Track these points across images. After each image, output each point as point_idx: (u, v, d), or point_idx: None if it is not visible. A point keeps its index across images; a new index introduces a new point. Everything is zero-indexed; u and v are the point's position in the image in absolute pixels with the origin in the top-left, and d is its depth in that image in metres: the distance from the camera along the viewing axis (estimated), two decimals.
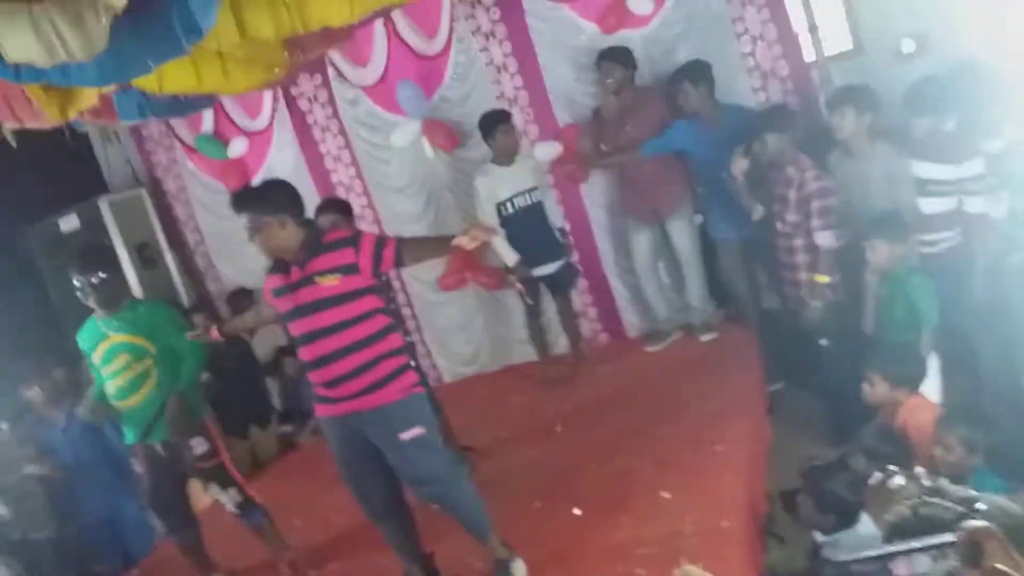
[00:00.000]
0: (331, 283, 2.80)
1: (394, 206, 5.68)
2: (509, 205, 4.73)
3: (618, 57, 4.58)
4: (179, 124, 6.01)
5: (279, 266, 2.93)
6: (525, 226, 4.72)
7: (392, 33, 5.29)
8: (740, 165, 4.05)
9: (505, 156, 4.72)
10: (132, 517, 4.71)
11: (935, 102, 3.71)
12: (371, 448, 2.91)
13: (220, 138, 5.95)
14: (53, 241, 6.03)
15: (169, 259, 6.17)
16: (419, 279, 5.72)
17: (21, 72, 3.07)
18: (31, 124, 4.06)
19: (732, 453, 3.37)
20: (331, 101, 5.65)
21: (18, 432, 4.69)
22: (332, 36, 3.89)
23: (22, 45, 2.87)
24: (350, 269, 2.80)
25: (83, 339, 3.70)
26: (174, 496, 3.75)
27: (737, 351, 4.50)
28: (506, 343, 5.66)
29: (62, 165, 6.39)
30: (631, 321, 5.34)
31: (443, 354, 5.91)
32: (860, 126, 3.79)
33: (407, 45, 5.31)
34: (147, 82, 3.43)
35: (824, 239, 3.82)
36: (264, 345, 5.96)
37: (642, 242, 4.85)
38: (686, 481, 3.26)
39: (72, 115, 4.00)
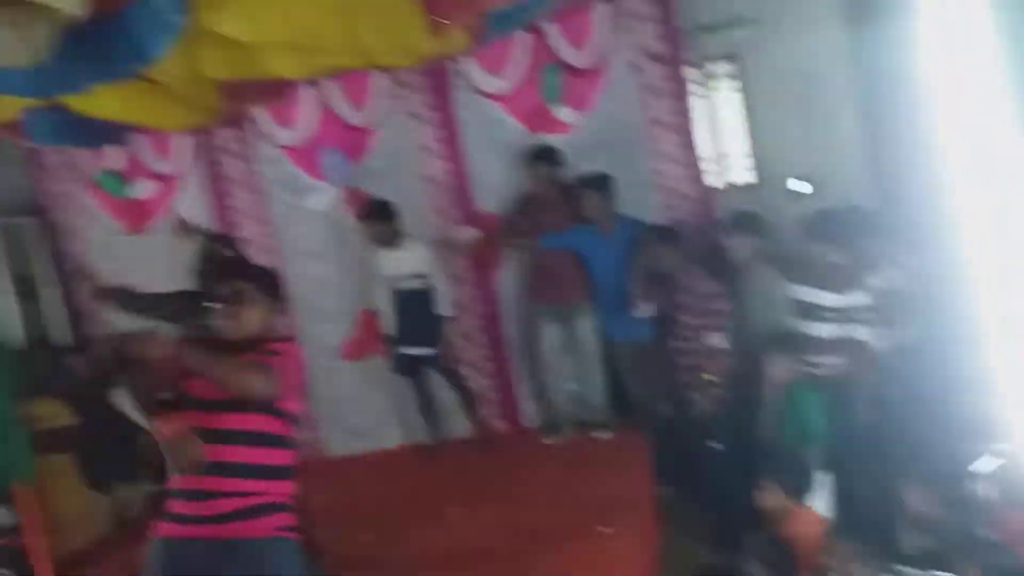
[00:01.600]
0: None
1: (308, 268, 5.58)
2: (396, 283, 4.97)
3: (547, 156, 4.84)
4: (83, 156, 5.75)
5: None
6: (407, 307, 4.95)
7: (322, 99, 5.34)
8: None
9: (385, 241, 4.91)
10: None
11: (826, 233, 4.07)
12: None
13: (125, 176, 5.72)
14: None
15: (57, 293, 5.77)
16: (322, 343, 5.56)
17: None
18: None
19: (623, 545, 3.39)
20: (248, 156, 5.59)
21: None
22: (271, 90, 3.90)
23: None
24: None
25: None
26: None
27: (630, 452, 4.60)
28: (404, 420, 5.55)
29: None
30: (529, 411, 5.37)
31: (333, 425, 5.72)
32: (750, 249, 4.21)
33: (336, 114, 5.36)
34: (75, 101, 3.31)
35: (714, 340, 4.07)
36: None
37: (550, 333, 4.98)
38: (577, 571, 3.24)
39: None
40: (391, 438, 5.63)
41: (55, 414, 4.81)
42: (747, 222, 4.33)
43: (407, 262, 4.92)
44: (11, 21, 2.82)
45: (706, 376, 4.06)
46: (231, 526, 2.33)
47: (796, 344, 3.81)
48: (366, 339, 5.39)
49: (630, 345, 4.77)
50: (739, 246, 4.27)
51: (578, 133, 4.98)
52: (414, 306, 4.95)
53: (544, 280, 4.93)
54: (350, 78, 5.08)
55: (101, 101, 3.37)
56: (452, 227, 5.26)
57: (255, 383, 2.29)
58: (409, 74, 5.15)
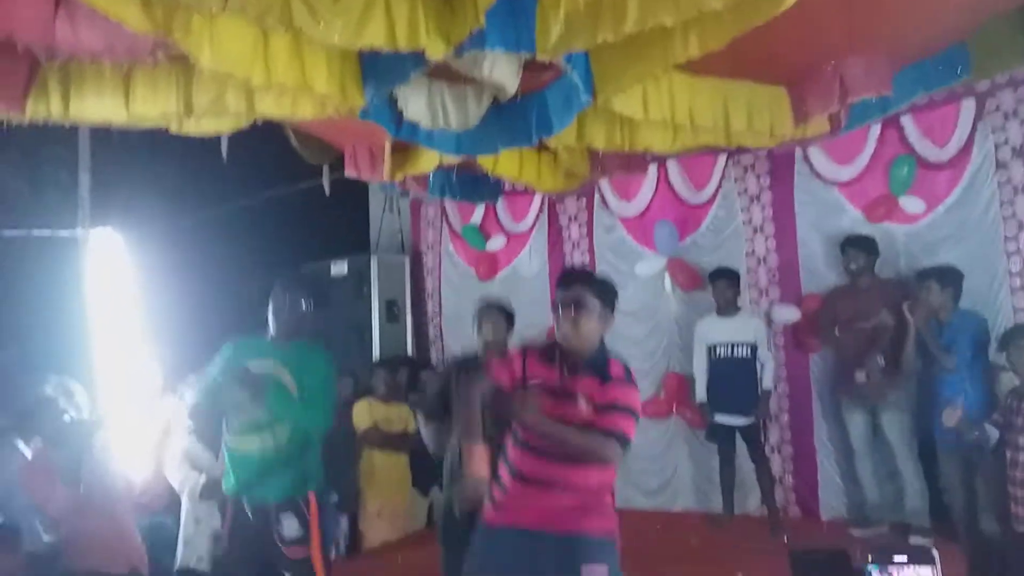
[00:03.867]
0: (584, 410, 2.58)
1: (621, 327, 6.02)
2: (720, 350, 5.09)
3: (864, 245, 4.83)
4: (453, 212, 6.84)
5: (543, 354, 2.72)
6: (728, 375, 5.07)
7: (663, 177, 5.85)
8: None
9: (724, 307, 5.14)
10: None
11: None
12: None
13: (483, 231, 6.69)
14: (321, 282, 6.94)
15: (408, 319, 6.88)
16: None
17: (402, 129, 3.81)
18: (365, 176, 4.90)
19: None
20: (588, 223, 6.25)
21: None
22: (634, 163, 4.44)
23: (416, 108, 3.60)
24: (600, 407, 2.56)
25: (227, 352, 3.34)
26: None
27: (944, 566, 4.26)
28: (696, 485, 5.69)
29: (337, 221, 7.46)
30: (828, 502, 5.22)
31: (625, 479, 6.01)
32: None
33: (673, 190, 5.83)
34: (485, 161, 4.09)
35: None
36: None
37: (857, 424, 4.85)
38: None
39: (398, 177, 4.81)
40: (680, 501, 5.77)
41: (405, 419, 5.66)
42: None
43: (739, 330, 5.09)
44: (456, 94, 3.64)
45: None
46: (556, 524, 2.56)
47: None
48: (671, 401, 5.68)
49: (957, 452, 4.47)
50: None
51: (925, 226, 4.90)
52: (736, 375, 5.07)
53: (849, 376, 4.84)
54: (695, 158, 5.51)
55: (503, 162, 4.12)
56: (775, 306, 5.40)
57: (607, 454, 2.52)
58: (752, 156, 5.47)
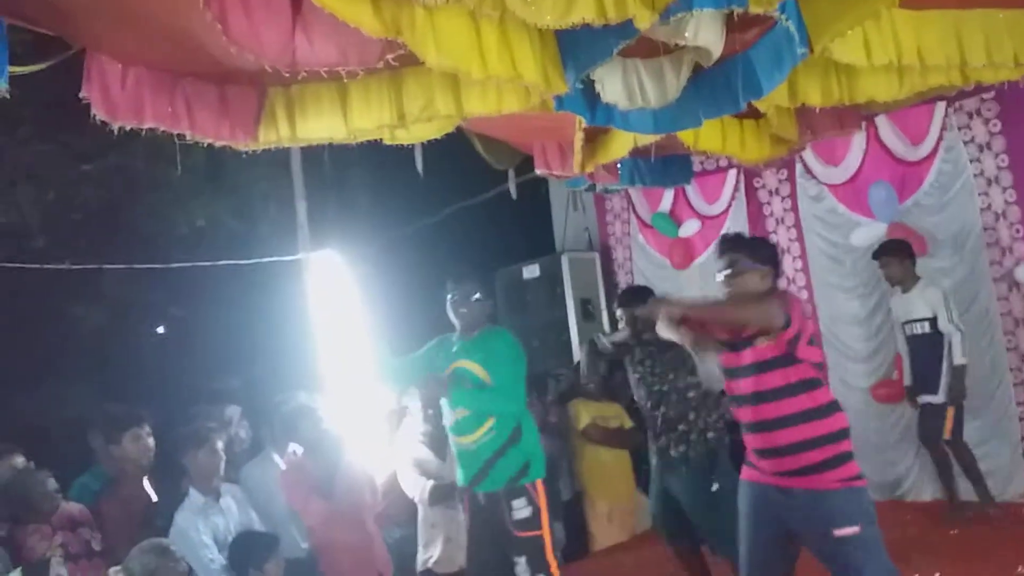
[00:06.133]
0: (764, 345, 2.71)
1: (839, 305, 5.60)
2: (908, 328, 4.85)
3: None
4: (640, 201, 6.67)
5: None
6: (916, 353, 4.83)
7: (872, 136, 5.36)
8: None
9: (896, 283, 4.86)
10: None
11: None
12: (783, 531, 2.76)
13: (674, 217, 6.46)
14: (513, 285, 7.02)
15: (604, 317, 6.77)
16: (848, 383, 5.50)
17: (597, 115, 3.72)
18: (556, 172, 4.86)
19: None
20: (792, 195, 5.86)
21: None
22: (848, 120, 4.08)
23: (612, 89, 3.49)
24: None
25: (432, 351, 3.57)
26: (492, 563, 3.35)
27: None
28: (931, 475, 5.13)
29: (523, 225, 7.54)
30: None
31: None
32: None
33: (886, 148, 5.33)
34: (686, 136, 3.91)
35: None
36: None
37: None
38: None
39: (589, 168, 4.72)
40: (917, 491, 5.27)
41: (614, 414, 5.55)
42: None
43: (914, 305, 4.77)
44: (652, 69, 3.50)
45: None
46: (800, 479, 2.66)
47: None
48: (898, 384, 5.17)
49: None
50: None
51: None
52: (922, 350, 4.76)
53: None
54: (908, 110, 5.01)
55: (704, 135, 3.92)
56: (1019, 265, 4.78)
57: (767, 310, 2.65)
58: (976, 100, 4.90)
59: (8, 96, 2.46)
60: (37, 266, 4.62)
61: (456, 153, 4.64)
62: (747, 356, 2.75)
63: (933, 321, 4.68)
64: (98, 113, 2.75)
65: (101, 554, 3.63)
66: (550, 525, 3.34)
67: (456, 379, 3.37)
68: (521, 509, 3.27)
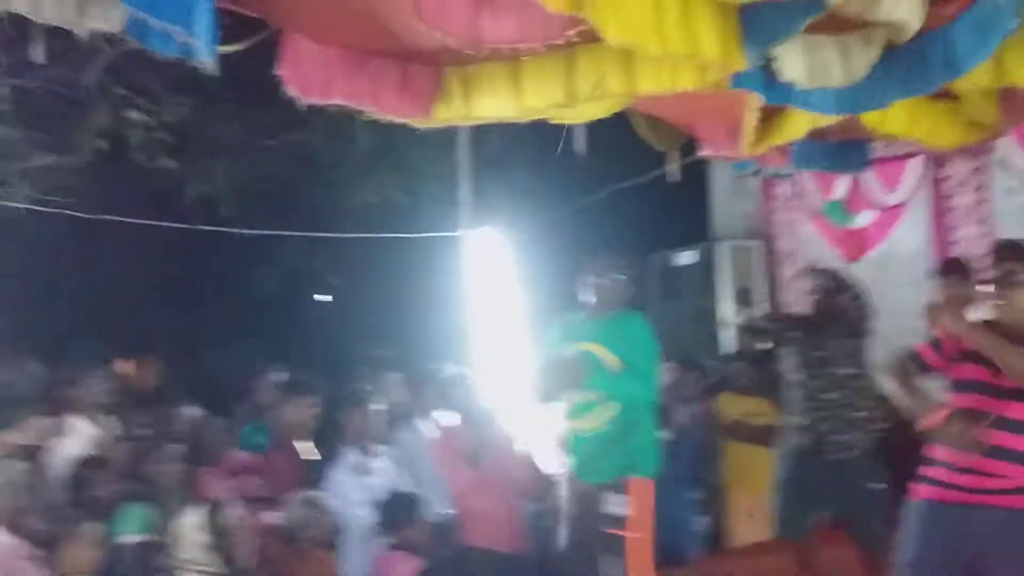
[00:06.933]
0: None
1: None
2: None
3: None
4: (811, 188, 6.32)
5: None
6: None
7: None
8: None
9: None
10: None
11: None
12: (967, 556, 2.57)
13: (848, 207, 6.08)
14: (667, 272, 6.89)
15: (762, 309, 6.51)
16: None
17: (774, 93, 3.54)
18: (724, 154, 4.69)
19: None
20: (983, 187, 5.36)
21: None
22: None
23: (793, 67, 3.30)
24: None
25: (549, 336, 3.45)
26: (587, 557, 3.21)
27: None
28: None
29: (681, 209, 7.37)
30: None
31: None
32: None
33: None
34: (870, 118, 3.65)
35: None
36: None
37: None
38: None
39: (760, 150, 4.52)
40: None
41: (762, 411, 5.33)
42: None
43: None
44: (839, 46, 3.28)
45: None
46: (1001, 499, 2.52)
47: None
48: None
49: None
50: None
51: None
52: None
53: None
54: None
55: (891, 117, 3.64)
56: None
57: None
58: None
59: (216, 72, 2.66)
60: (227, 230, 5.02)
61: (617, 134, 4.58)
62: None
63: None
64: (291, 90, 2.92)
65: (267, 501, 3.93)
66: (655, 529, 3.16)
67: (574, 362, 3.21)
68: (618, 505, 3.11)
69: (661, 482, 4.74)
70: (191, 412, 4.41)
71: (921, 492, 2.71)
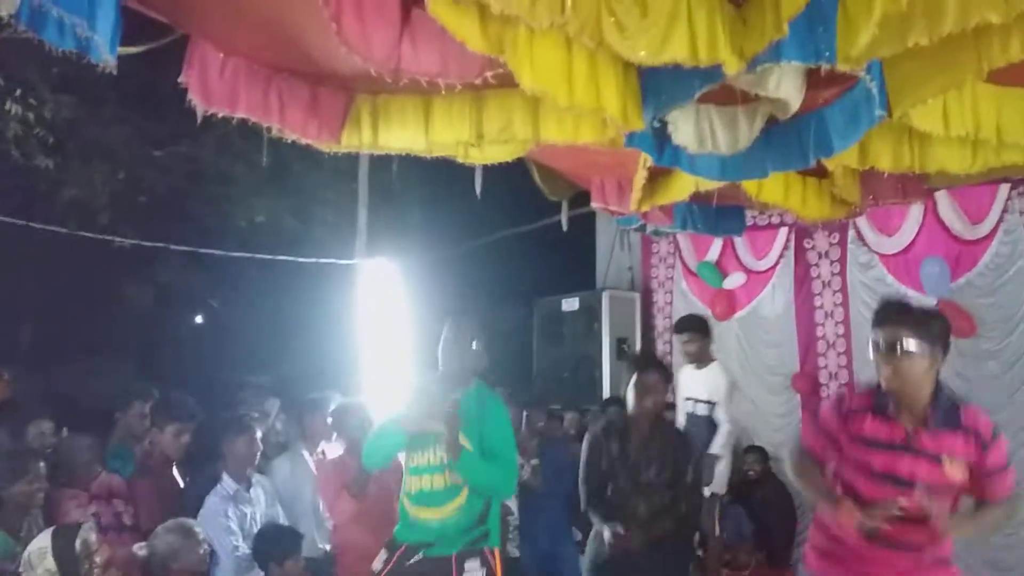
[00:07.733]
0: (957, 474, 2.36)
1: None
2: (689, 405, 4.89)
3: None
4: (687, 248, 6.70)
5: (874, 405, 2.48)
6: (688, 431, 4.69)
7: (931, 210, 5.34)
8: None
9: (694, 360, 4.89)
10: None
11: None
12: None
13: (720, 268, 6.48)
14: (552, 316, 7.07)
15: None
16: None
17: (664, 155, 3.78)
18: (612, 208, 4.93)
19: None
20: (841, 260, 5.85)
21: None
22: (912, 189, 4.09)
23: (684, 132, 3.55)
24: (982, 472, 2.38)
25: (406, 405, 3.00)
26: None
27: None
28: None
29: (567, 258, 7.62)
30: None
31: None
32: None
33: (944, 224, 5.31)
34: (750, 186, 3.95)
35: None
36: None
37: None
38: None
39: (646, 207, 4.78)
40: None
41: None
42: None
43: (701, 386, 4.84)
44: (726, 117, 3.56)
45: None
46: None
47: None
48: None
49: None
50: None
51: None
52: (695, 432, 4.71)
53: None
54: (970, 188, 5.00)
55: (768, 187, 3.96)
56: None
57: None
58: None
59: (114, 72, 2.57)
60: (102, 237, 4.77)
61: (512, 180, 4.75)
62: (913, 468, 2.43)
63: (712, 406, 4.77)
64: (194, 98, 2.86)
65: (131, 529, 3.70)
66: None
67: (425, 444, 2.95)
68: (474, 571, 2.93)
69: (540, 525, 4.84)
70: (44, 427, 4.10)
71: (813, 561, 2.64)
